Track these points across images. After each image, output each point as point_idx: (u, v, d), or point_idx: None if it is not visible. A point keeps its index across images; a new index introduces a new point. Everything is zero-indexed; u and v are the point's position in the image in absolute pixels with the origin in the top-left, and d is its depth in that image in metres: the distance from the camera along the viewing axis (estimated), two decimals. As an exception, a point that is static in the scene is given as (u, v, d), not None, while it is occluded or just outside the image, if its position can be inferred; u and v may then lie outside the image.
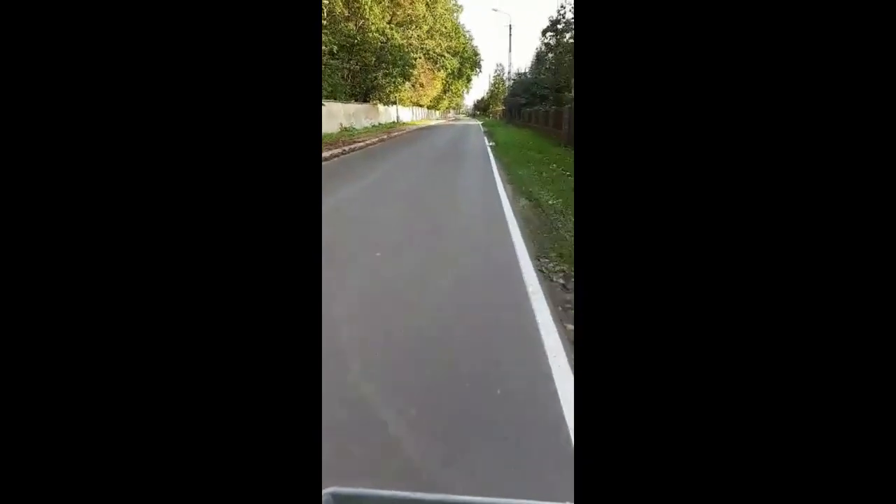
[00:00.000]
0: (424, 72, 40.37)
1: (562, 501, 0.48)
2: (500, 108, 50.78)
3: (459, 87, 59.91)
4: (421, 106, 47.14)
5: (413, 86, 41.01)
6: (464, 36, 53.51)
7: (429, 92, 43.51)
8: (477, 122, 38.10)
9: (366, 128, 20.53)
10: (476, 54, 59.39)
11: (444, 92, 54.68)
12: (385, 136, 15.79)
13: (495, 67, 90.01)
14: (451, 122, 39.73)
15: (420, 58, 33.11)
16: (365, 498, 0.52)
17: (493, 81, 63.28)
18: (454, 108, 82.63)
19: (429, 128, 24.53)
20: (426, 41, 36.97)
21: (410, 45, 28.84)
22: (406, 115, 36.78)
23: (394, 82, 24.02)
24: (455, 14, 46.81)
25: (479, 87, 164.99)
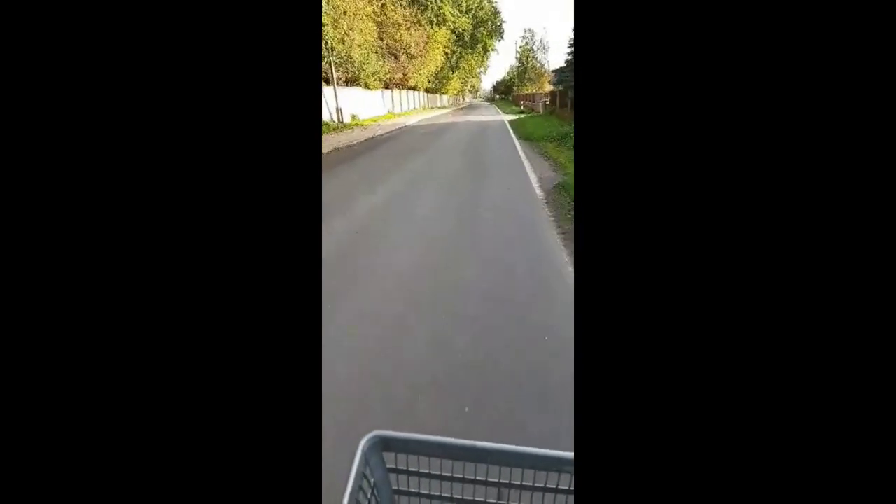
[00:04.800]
0: (409, 29, 24.17)
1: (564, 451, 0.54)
2: (539, 90, 34.27)
3: (473, 64, 43.79)
4: (414, 89, 31.04)
5: (394, 56, 25.03)
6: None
7: (423, 65, 27.32)
8: (501, 119, 20.23)
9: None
10: (496, 13, 43.11)
11: (452, 69, 38.68)
12: None
13: (523, 34, 71.68)
14: (453, 119, 22.44)
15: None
16: (405, 441, 0.62)
17: (519, 52, 46.32)
18: (471, 91, 66.03)
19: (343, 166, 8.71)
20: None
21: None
22: (374, 104, 20.71)
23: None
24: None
25: (498, 66, 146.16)
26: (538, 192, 5.07)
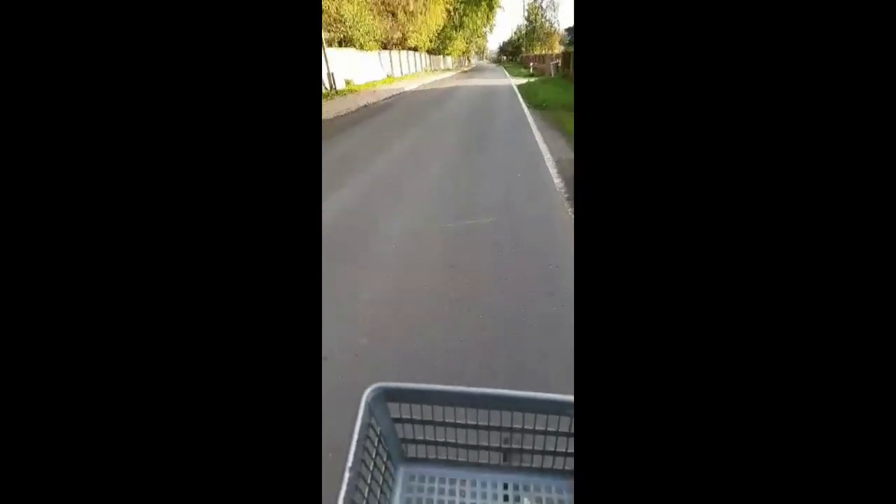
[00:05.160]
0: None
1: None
2: (549, 50, 32.04)
3: (478, 22, 41.00)
4: (415, 50, 28.96)
5: (391, 14, 23.00)
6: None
7: (424, 24, 25.23)
8: (509, 83, 18.13)
9: None
10: (503, -34, 40.03)
11: (456, 28, 36.18)
12: None
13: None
14: (456, 84, 20.30)
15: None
16: (407, 391, 0.64)
17: (528, 9, 43.45)
18: (476, 52, 62.56)
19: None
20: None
21: None
22: (371, 67, 19.09)
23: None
24: None
25: (505, 25, 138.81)
26: (556, 181, 3.97)
